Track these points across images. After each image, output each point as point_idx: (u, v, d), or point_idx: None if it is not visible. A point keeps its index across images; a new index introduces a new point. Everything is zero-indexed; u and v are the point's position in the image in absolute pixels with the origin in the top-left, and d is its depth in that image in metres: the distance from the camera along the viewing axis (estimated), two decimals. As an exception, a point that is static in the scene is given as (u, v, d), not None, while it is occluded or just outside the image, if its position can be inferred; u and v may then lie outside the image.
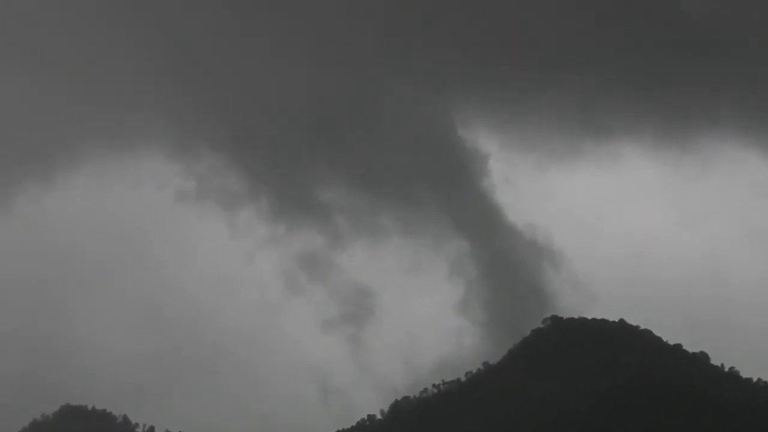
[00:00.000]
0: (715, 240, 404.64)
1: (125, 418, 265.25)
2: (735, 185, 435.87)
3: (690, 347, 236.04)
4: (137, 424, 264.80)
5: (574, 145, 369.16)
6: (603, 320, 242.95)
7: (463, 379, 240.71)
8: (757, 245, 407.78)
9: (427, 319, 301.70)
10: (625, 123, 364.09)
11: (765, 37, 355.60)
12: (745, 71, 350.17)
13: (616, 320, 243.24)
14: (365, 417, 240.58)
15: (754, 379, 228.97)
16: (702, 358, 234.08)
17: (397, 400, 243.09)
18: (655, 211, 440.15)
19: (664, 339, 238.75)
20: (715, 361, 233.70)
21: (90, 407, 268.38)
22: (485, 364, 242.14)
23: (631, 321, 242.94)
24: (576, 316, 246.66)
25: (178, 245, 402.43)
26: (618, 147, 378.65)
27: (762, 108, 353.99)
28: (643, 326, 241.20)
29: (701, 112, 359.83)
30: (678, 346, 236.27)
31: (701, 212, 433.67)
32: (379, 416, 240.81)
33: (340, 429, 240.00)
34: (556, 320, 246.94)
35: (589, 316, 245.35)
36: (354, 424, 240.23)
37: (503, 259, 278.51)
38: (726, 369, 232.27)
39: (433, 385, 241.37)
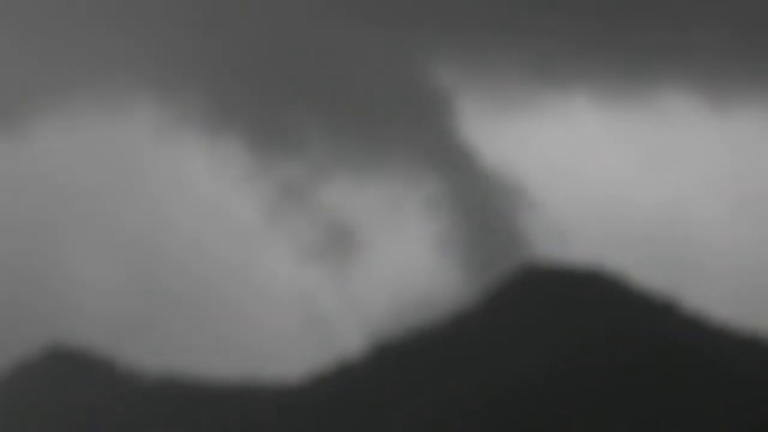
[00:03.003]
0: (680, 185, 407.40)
1: (112, 356, 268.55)
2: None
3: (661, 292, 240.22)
4: (124, 361, 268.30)
5: (540, 92, 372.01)
6: (579, 268, 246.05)
7: (439, 326, 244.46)
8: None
9: (406, 255, 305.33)
10: (581, 71, 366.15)
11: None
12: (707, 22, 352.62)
13: (591, 266, 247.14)
14: (342, 362, 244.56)
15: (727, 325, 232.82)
16: (674, 305, 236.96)
17: (376, 345, 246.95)
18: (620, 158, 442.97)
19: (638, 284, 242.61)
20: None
21: (78, 343, 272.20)
22: (461, 311, 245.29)
23: (606, 266, 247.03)
24: (552, 263, 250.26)
25: (162, 176, 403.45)
26: (572, 96, 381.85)
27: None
28: (619, 272, 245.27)
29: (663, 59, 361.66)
30: (650, 291, 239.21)
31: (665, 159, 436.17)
32: (356, 362, 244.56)
33: (320, 372, 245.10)
34: (530, 268, 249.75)
35: (565, 263, 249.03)
36: (333, 368, 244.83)
37: (477, 202, 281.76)
38: (698, 316, 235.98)
39: (411, 332, 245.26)
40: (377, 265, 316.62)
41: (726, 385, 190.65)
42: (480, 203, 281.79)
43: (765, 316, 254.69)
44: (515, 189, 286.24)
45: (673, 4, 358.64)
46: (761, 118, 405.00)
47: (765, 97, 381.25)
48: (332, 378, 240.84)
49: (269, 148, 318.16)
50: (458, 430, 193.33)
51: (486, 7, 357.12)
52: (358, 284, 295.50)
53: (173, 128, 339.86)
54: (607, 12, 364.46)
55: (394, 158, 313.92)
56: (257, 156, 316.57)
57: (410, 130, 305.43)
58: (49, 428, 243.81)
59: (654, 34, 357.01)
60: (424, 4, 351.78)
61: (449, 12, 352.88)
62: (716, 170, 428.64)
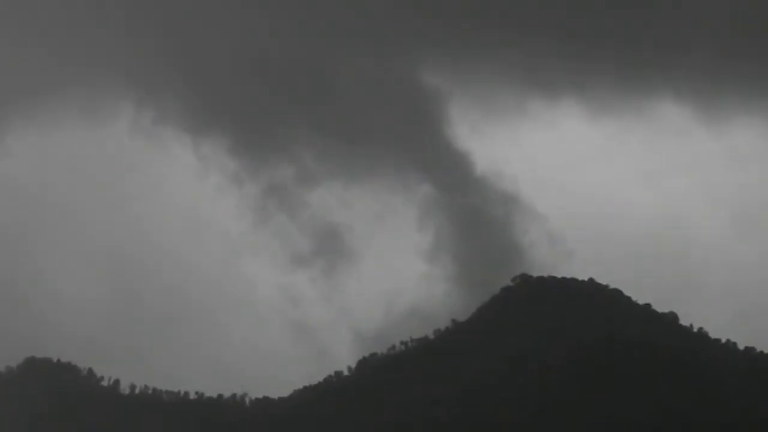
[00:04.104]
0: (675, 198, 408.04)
1: (90, 371, 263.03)
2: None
3: (659, 307, 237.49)
4: (102, 377, 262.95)
5: (531, 102, 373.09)
6: (573, 279, 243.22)
7: (431, 336, 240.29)
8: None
9: (397, 263, 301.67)
10: (572, 83, 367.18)
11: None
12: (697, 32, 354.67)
13: (586, 279, 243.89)
14: (332, 373, 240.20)
15: (723, 340, 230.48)
16: (671, 318, 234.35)
17: (365, 357, 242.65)
18: (615, 168, 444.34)
19: (634, 299, 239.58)
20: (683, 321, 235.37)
21: (55, 360, 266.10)
22: (454, 321, 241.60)
23: (601, 280, 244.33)
24: (546, 275, 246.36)
25: (144, 182, 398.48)
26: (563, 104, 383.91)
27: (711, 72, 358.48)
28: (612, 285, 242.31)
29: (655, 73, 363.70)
30: (647, 306, 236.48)
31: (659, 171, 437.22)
32: (346, 372, 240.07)
33: (308, 384, 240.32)
34: (525, 278, 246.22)
35: (559, 275, 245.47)
36: (321, 380, 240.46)
37: (471, 210, 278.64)
38: (695, 329, 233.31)
39: (401, 342, 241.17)
40: (368, 273, 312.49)
41: (720, 390, 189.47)
42: (473, 211, 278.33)
43: (760, 331, 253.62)
44: (508, 197, 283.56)
45: (665, 16, 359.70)
46: (755, 129, 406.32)
47: (759, 109, 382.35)
48: (321, 390, 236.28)
49: (255, 151, 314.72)
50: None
51: (478, 17, 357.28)
52: (348, 293, 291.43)
53: (154, 132, 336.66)
54: (600, 23, 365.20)
55: (386, 164, 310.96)
56: (242, 159, 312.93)
57: (402, 137, 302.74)
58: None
59: (646, 45, 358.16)
60: (416, 13, 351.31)
61: (440, 20, 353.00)
62: (712, 182, 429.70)
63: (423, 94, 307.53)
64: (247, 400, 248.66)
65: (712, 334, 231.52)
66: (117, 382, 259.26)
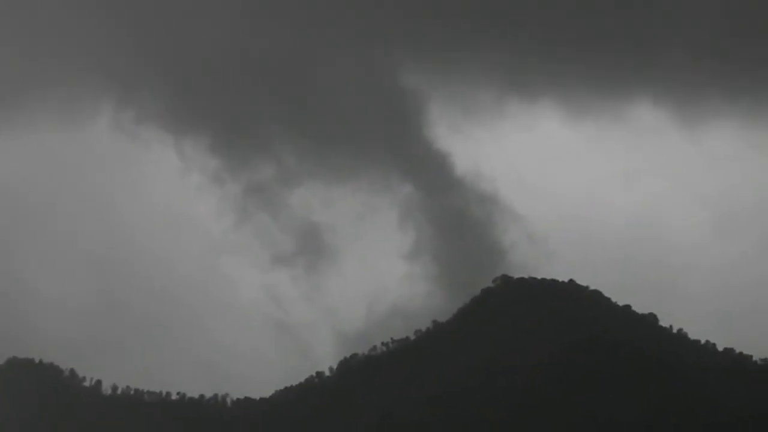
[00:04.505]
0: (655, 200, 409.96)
1: (72, 371, 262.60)
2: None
3: (639, 308, 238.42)
4: (84, 378, 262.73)
5: (510, 103, 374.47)
6: (553, 280, 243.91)
7: (412, 337, 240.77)
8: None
9: (378, 263, 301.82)
10: (550, 85, 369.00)
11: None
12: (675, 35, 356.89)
13: (566, 280, 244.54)
14: (314, 374, 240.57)
15: (703, 341, 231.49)
16: (651, 319, 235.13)
17: (346, 357, 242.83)
18: (594, 170, 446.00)
19: (614, 300, 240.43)
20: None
21: (37, 360, 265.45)
22: (434, 322, 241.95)
23: (582, 281, 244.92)
24: (526, 276, 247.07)
25: (125, 182, 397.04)
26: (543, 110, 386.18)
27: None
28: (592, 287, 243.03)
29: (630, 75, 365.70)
30: (627, 307, 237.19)
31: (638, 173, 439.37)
32: (328, 373, 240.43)
33: (289, 385, 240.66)
34: (506, 279, 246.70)
35: (540, 276, 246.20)
36: (302, 380, 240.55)
37: (452, 211, 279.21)
38: (675, 330, 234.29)
39: (382, 343, 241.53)
40: (349, 273, 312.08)
41: (700, 391, 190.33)
42: (454, 211, 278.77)
43: (739, 332, 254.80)
44: (488, 198, 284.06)
45: (643, 19, 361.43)
46: (733, 131, 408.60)
47: (736, 111, 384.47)
48: (302, 391, 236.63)
49: (236, 151, 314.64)
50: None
51: (458, 18, 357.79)
52: (330, 292, 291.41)
53: (135, 132, 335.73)
54: (578, 26, 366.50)
55: (367, 165, 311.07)
56: (223, 158, 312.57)
57: (383, 137, 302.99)
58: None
59: (625, 47, 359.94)
60: (396, 14, 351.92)
61: (420, 21, 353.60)
62: (691, 183, 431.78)
63: (403, 95, 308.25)
64: (228, 400, 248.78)
65: (692, 336, 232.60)
66: (99, 382, 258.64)
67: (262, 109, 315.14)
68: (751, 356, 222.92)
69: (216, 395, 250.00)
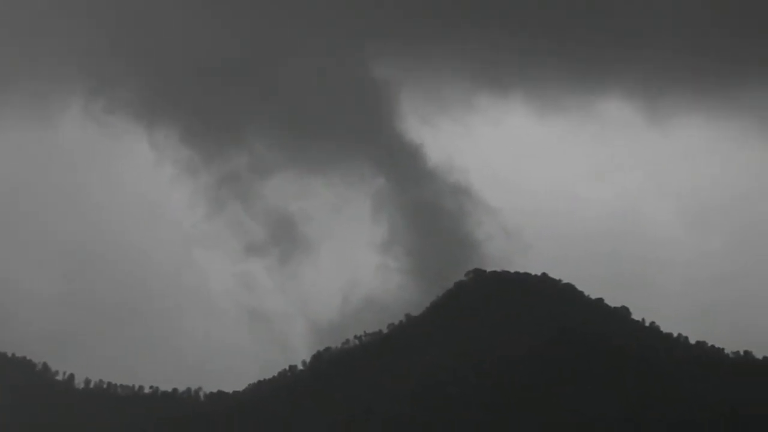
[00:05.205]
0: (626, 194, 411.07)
1: (45, 365, 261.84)
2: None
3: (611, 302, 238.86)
4: (57, 372, 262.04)
5: (480, 97, 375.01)
6: (526, 274, 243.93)
7: (385, 330, 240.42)
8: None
9: (352, 254, 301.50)
10: (521, 79, 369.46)
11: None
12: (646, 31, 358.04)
13: (539, 274, 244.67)
14: (287, 368, 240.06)
15: (675, 334, 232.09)
16: (623, 312, 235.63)
17: (319, 351, 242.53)
18: (565, 164, 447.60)
19: (586, 293, 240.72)
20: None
21: (10, 354, 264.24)
22: (407, 316, 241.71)
23: (555, 275, 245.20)
24: (499, 269, 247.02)
25: (97, 173, 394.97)
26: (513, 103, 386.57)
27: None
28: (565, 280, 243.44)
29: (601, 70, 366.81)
30: (600, 300, 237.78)
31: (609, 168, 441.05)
32: (301, 367, 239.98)
33: (262, 378, 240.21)
34: (479, 273, 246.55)
35: (513, 269, 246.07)
36: (276, 374, 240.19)
37: (424, 203, 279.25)
38: (647, 323, 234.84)
39: (355, 337, 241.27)
40: (323, 264, 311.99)
41: (672, 383, 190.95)
42: (426, 203, 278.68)
43: (711, 326, 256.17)
44: (460, 189, 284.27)
45: (613, 15, 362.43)
46: (701, 126, 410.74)
47: (704, 106, 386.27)
48: (275, 385, 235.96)
49: (209, 140, 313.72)
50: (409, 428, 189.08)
51: (429, 11, 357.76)
52: (304, 283, 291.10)
53: (106, 121, 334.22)
54: (549, 21, 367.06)
55: (340, 156, 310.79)
56: (195, 148, 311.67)
57: (354, 128, 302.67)
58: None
59: (595, 43, 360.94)
60: (367, 7, 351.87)
61: (391, 14, 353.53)
62: (661, 178, 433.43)
63: (375, 87, 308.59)
64: (201, 394, 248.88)
65: (664, 329, 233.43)
66: (72, 376, 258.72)
67: (235, 99, 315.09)
68: (723, 349, 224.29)
69: (189, 389, 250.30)
